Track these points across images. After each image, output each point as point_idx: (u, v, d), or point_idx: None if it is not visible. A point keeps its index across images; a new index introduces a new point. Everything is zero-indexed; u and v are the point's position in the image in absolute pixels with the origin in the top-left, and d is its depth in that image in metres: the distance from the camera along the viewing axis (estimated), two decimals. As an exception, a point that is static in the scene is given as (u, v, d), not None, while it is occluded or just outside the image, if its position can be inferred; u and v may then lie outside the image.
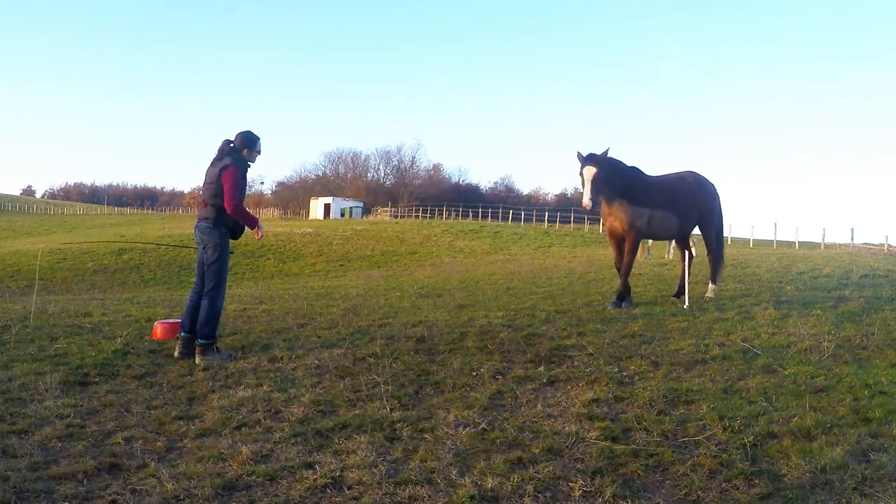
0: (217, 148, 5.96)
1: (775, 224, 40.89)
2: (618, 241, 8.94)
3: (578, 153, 8.42)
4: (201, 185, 6.13)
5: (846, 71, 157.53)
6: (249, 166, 6.04)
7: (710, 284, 9.56)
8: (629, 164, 8.78)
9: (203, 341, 5.78)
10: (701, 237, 9.94)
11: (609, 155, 8.46)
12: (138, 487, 3.25)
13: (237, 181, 5.80)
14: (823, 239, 35.93)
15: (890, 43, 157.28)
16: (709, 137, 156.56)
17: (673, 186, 9.11)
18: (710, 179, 9.65)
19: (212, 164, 5.94)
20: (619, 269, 8.89)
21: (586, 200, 8.19)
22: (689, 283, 8.92)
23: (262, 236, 6.14)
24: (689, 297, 8.63)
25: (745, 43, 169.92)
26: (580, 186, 8.47)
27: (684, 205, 9.05)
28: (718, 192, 9.67)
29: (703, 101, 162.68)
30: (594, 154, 8.32)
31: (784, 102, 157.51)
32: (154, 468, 3.45)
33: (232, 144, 5.95)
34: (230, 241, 6.02)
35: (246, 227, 6.02)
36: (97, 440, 3.90)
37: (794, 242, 38.17)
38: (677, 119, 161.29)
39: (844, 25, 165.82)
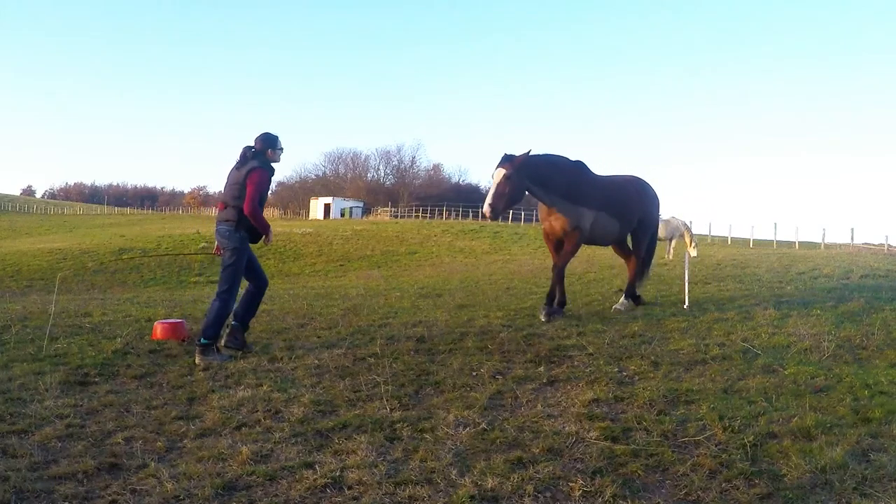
0: (239, 154, 5.99)
1: (775, 224, 40.97)
2: (556, 244, 8.01)
3: (504, 154, 7.38)
4: (223, 187, 6.17)
5: (846, 70, 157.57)
6: (274, 170, 6.10)
7: (623, 298, 8.60)
8: (576, 158, 8.07)
9: (205, 341, 5.79)
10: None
11: (550, 152, 7.75)
12: (138, 487, 3.25)
13: (262, 185, 5.88)
14: (823, 239, 36.01)
15: (891, 41, 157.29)
16: (709, 137, 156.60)
17: (618, 189, 8.37)
18: (653, 186, 9.05)
19: (236, 167, 5.98)
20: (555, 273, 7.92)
21: (485, 207, 7.18)
22: (688, 283, 8.89)
23: (269, 242, 6.16)
24: (689, 297, 8.61)
25: (746, 41, 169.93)
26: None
27: (628, 210, 8.36)
28: (659, 200, 9.15)
29: (703, 100, 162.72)
30: (512, 155, 7.26)
31: (784, 101, 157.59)
32: (154, 468, 3.45)
33: (253, 149, 5.99)
34: (250, 244, 6.04)
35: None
36: (97, 440, 3.90)
37: (794, 242, 38.21)
38: (678, 118, 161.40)
39: (846, 24, 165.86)
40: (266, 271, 6.52)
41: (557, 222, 7.82)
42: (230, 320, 6.08)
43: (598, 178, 8.25)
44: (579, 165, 8.06)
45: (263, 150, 6.00)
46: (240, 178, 5.87)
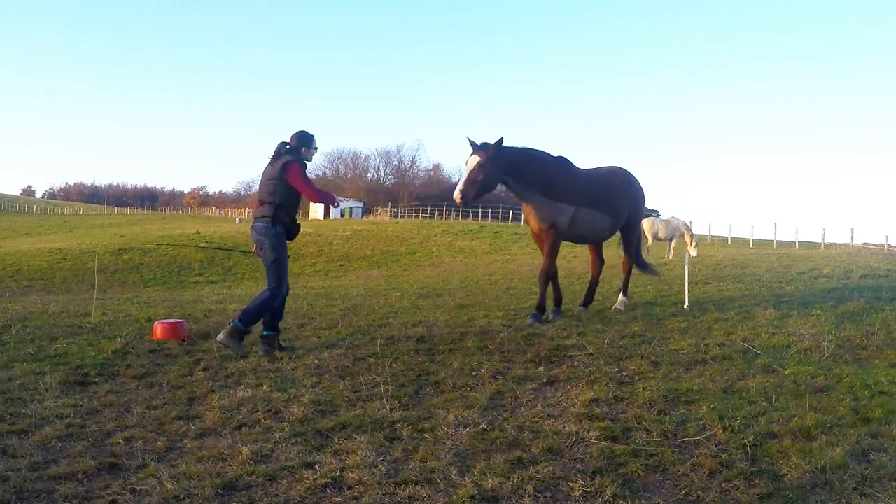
0: (273, 150, 6.06)
1: (775, 224, 40.97)
2: (543, 242, 7.80)
3: (469, 139, 7.28)
4: (258, 184, 6.25)
5: (846, 70, 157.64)
6: (306, 165, 6.14)
7: (621, 296, 8.53)
8: (560, 155, 7.84)
9: (239, 325, 5.84)
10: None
11: (528, 146, 7.51)
12: (138, 487, 3.25)
13: (305, 175, 5.96)
14: (823, 239, 36.01)
15: (891, 41, 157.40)
16: (709, 137, 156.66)
17: (604, 181, 8.12)
18: (637, 177, 8.77)
19: (270, 163, 6.03)
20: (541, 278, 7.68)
21: (456, 193, 7.03)
22: (688, 283, 8.88)
23: (338, 204, 6.39)
24: (689, 297, 8.61)
25: (746, 41, 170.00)
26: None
27: (616, 203, 8.08)
28: (644, 191, 8.85)
29: (703, 100, 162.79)
30: (487, 144, 7.14)
31: (784, 101, 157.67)
32: (154, 468, 3.45)
33: (288, 145, 6.05)
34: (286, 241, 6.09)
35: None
36: (97, 440, 3.90)
37: (794, 242, 38.22)
38: (678, 118, 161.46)
39: (846, 24, 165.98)
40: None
41: (534, 220, 7.60)
42: (260, 330, 6.16)
43: (580, 172, 7.97)
44: (560, 160, 7.78)
45: (298, 148, 6.06)
46: (274, 174, 5.91)
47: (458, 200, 7.09)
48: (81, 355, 5.86)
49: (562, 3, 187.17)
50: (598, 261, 8.73)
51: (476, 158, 7.08)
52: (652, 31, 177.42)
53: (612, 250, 10.56)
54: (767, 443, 3.73)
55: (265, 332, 6.09)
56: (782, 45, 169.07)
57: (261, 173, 6.17)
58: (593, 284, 8.62)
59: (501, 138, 7.21)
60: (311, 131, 6.15)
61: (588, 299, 8.53)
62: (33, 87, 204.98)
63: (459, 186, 7.09)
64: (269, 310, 5.98)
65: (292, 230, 6.06)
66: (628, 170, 8.77)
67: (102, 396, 4.73)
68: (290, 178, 5.86)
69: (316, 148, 6.20)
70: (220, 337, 5.78)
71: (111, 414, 4.37)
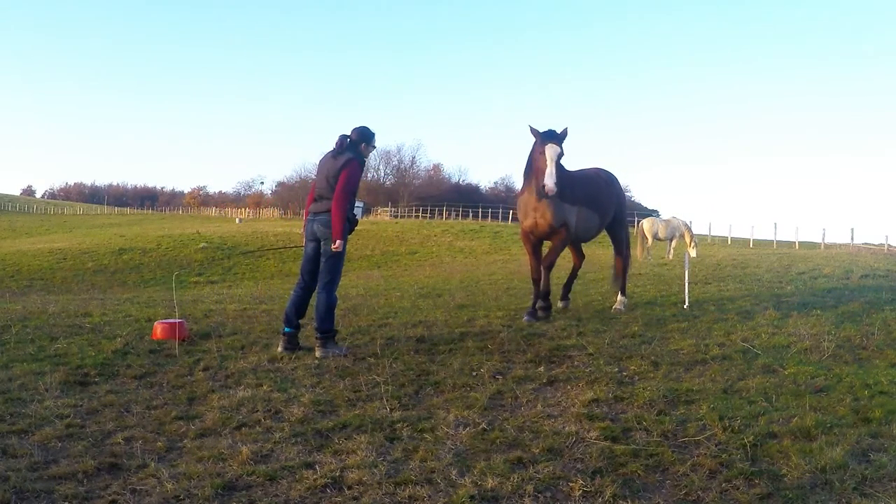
0: (335, 142, 6.07)
1: (775, 224, 41.05)
2: (535, 244, 7.84)
3: (532, 128, 7.30)
4: (315, 177, 6.25)
5: (846, 70, 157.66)
6: (365, 163, 6.22)
7: (620, 296, 8.52)
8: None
9: (322, 335, 5.89)
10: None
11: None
12: (138, 487, 3.25)
13: (355, 178, 5.99)
14: (823, 239, 36.02)
15: (891, 42, 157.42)
16: (709, 138, 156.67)
17: (593, 182, 8.23)
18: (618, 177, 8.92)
19: (333, 156, 6.04)
20: (535, 281, 7.72)
21: (551, 184, 6.95)
22: (688, 283, 8.88)
23: (337, 248, 5.88)
24: (689, 297, 8.61)
25: (746, 41, 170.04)
26: (544, 167, 7.11)
27: (604, 203, 8.24)
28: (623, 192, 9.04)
29: (704, 100, 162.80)
30: (554, 132, 7.21)
31: (785, 101, 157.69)
32: (154, 468, 3.45)
33: (349, 139, 6.09)
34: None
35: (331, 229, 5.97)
36: (97, 440, 3.90)
37: (794, 242, 38.24)
38: (678, 118, 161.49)
39: (846, 23, 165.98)
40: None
41: (543, 219, 7.51)
42: (282, 327, 6.17)
43: (575, 173, 8.05)
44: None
45: (358, 143, 6.11)
46: (335, 170, 5.94)
47: (552, 192, 7.06)
48: (81, 355, 5.86)
49: (562, 3, 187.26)
50: (578, 255, 8.94)
51: (557, 149, 7.13)
52: (652, 31, 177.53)
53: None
54: (767, 443, 3.73)
55: (287, 329, 6.10)
56: (783, 45, 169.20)
57: (318, 165, 6.19)
58: (571, 278, 8.83)
59: (566, 129, 7.32)
60: (371, 129, 6.19)
61: (565, 292, 8.73)
62: (33, 88, 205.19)
63: (554, 180, 7.00)
64: (335, 304, 6.05)
65: (353, 225, 6.10)
66: (609, 171, 8.85)
67: (102, 396, 4.73)
68: (343, 174, 5.89)
69: (374, 146, 6.27)
70: (319, 354, 5.85)
71: (111, 414, 4.37)
